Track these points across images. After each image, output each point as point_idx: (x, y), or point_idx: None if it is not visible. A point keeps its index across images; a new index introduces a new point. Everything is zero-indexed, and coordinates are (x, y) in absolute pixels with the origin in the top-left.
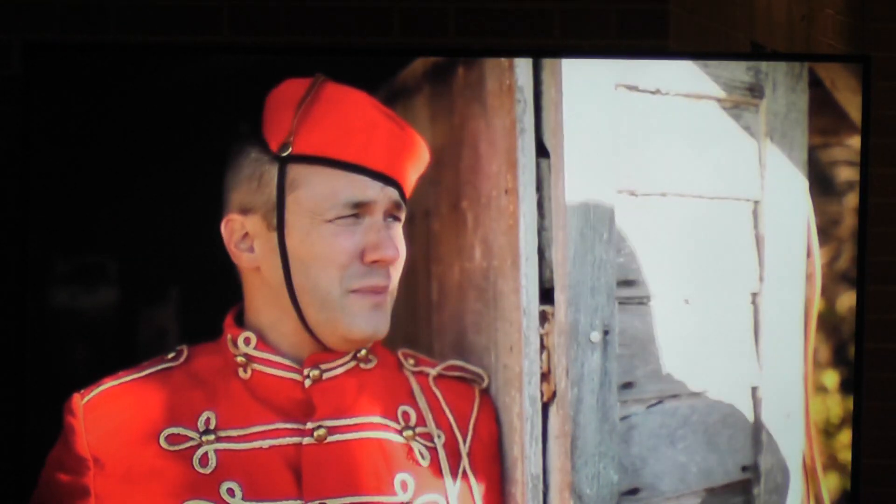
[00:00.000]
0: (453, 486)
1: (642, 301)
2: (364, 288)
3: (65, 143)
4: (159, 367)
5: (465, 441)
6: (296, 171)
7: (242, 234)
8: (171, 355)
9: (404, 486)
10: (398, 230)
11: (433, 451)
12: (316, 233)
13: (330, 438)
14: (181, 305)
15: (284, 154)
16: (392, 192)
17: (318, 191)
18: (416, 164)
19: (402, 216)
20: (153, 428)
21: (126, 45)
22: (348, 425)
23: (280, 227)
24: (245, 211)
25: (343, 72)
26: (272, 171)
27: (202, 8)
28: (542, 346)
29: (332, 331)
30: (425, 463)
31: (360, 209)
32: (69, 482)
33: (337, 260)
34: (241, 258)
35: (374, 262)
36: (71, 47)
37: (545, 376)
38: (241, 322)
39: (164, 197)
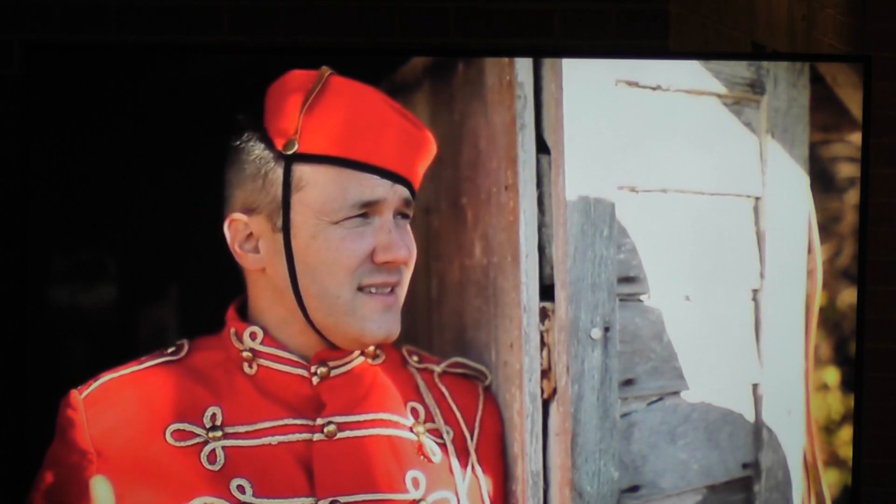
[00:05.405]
0: (463, 483)
1: (642, 298)
2: (375, 283)
3: (65, 143)
4: (159, 361)
5: (472, 437)
6: (302, 171)
7: (246, 235)
8: (170, 349)
9: (416, 482)
10: (408, 228)
11: (443, 447)
12: (323, 236)
13: (340, 434)
14: (181, 299)
15: (290, 152)
16: (402, 191)
17: (325, 191)
18: (426, 161)
19: (412, 213)
20: (158, 422)
21: (126, 45)
22: (359, 421)
23: (286, 229)
24: (249, 210)
25: (343, 72)
26: (277, 170)
27: (202, 8)
28: (543, 343)
29: (343, 333)
30: (436, 459)
31: (368, 209)
32: (69, 478)
33: (346, 264)
34: (246, 259)
35: (386, 263)
36: (71, 47)
37: (545, 373)
38: (244, 315)
39: (163, 195)
